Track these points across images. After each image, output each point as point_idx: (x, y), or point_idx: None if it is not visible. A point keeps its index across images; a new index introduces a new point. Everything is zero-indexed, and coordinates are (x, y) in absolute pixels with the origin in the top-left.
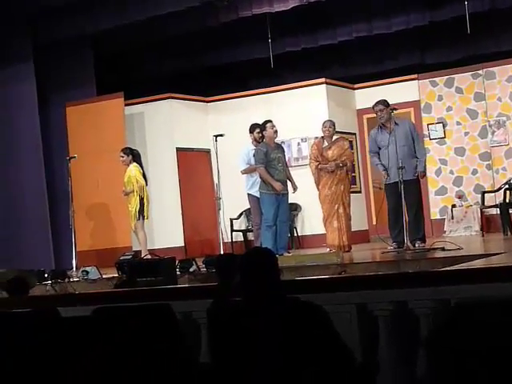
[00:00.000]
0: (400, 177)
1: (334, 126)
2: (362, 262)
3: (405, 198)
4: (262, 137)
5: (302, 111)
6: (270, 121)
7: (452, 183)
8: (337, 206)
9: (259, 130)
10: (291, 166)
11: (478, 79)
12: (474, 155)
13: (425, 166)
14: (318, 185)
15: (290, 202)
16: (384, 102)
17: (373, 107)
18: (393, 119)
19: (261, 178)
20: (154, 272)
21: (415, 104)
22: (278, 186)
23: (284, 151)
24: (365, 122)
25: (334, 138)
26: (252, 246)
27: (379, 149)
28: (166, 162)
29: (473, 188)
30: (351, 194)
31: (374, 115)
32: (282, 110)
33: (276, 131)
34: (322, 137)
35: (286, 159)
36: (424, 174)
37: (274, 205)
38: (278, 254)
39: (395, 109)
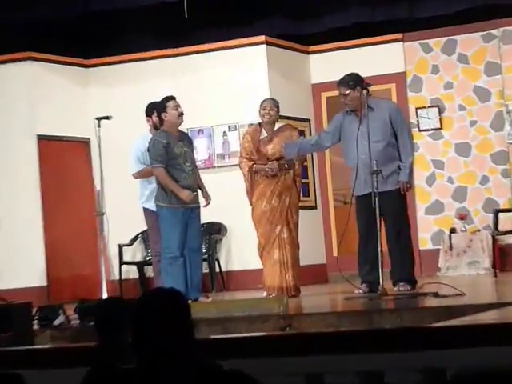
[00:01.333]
0: (374, 186)
1: (278, 107)
2: (315, 313)
3: (382, 218)
4: (162, 121)
5: (228, 85)
6: (172, 97)
7: (451, 197)
8: (279, 227)
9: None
10: (212, 168)
11: (491, 43)
12: (483, 155)
13: (411, 172)
14: (251, 196)
15: (211, 220)
16: (351, 80)
17: (338, 86)
18: (364, 102)
19: (159, 184)
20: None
21: (398, 78)
22: (185, 195)
23: (192, 144)
24: (323, 102)
25: (278, 125)
26: (151, 286)
27: (339, 140)
28: (20, 157)
29: (482, 204)
30: (301, 211)
31: (336, 92)
32: (199, 83)
33: (181, 113)
34: (260, 123)
35: (204, 157)
36: (409, 186)
37: (179, 225)
38: (190, 298)
39: (369, 85)
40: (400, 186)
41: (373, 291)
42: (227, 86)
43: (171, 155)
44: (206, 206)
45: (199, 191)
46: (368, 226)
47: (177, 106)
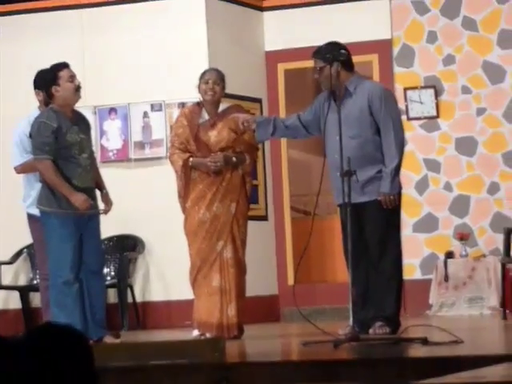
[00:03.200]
0: (344, 192)
1: (224, 82)
2: (262, 363)
3: (360, 237)
4: (51, 98)
5: (152, 49)
6: (64, 65)
7: (449, 209)
8: (221, 244)
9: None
10: (126, 161)
11: (507, 4)
12: (493, 154)
13: (394, 181)
14: (184, 200)
15: (123, 233)
16: (328, 52)
17: (312, 57)
18: (343, 82)
19: (44, 182)
20: None
21: (382, 47)
22: (80, 200)
23: (90, 128)
24: (280, 76)
25: (223, 106)
26: (39, 320)
27: (319, 129)
28: None
29: (489, 221)
30: (249, 222)
31: (299, 64)
32: (111, 45)
33: (79, 87)
34: (199, 103)
35: (117, 146)
36: (393, 199)
37: (71, 238)
38: (92, 338)
39: (346, 54)
40: (381, 199)
41: (359, 331)
42: (150, 51)
43: (62, 143)
44: (104, 212)
45: (98, 192)
46: (354, 245)
47: (72, 77)
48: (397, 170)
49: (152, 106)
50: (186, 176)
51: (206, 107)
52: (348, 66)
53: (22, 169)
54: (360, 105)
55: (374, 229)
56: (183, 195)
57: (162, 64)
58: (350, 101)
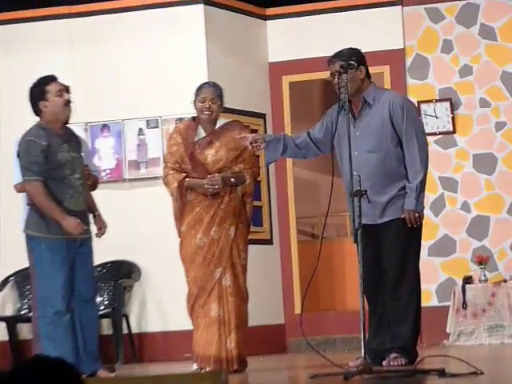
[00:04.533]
0: (355, 213)
1: (222, 97)
2: None
3: (376, 262)
4: (39, 114)
5: (148, 62)
6: (52, 78)
7: (467, 231)
8: (219, 271)
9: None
10: (121, 181)
11: None
12: None
13: (420, 197)
14: (179, 223)
15: (118, 258)
16: (354, 55)
17: (331, 61)
18: (362, 91)
19: (32, 205)
20: None
21: (394, 57)
22: (72, 223)
23: (81, 146)
24: (285, 89)
25: (220, 122)
26: (29, 353)
27: (332, 147)
28: None
29: (509, 243)
30: (250, 247)
31: (305, 76)
32: (104, 57)
33: (68, 101)
34: (195, 118)
35: (111, 165)
36: (419, 216)
37: (62, 265)
38: (85, 372)
39: (359, 63)
40: (405, 216)
41: (372, 362)
42: (145, 63)
43: (53, 163)
44: (98, 235)
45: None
46: (370, 271)
47: (61, 91)
48: (422, 185)
49: (148, 123)
50: (182, 198)
51: (203, 124)
52: (368, 73)
53: (21, 187)
54: (380, 116)
55: (393, 251)
56: (179, 218)
57: (158, 77)
58: (369, 112)
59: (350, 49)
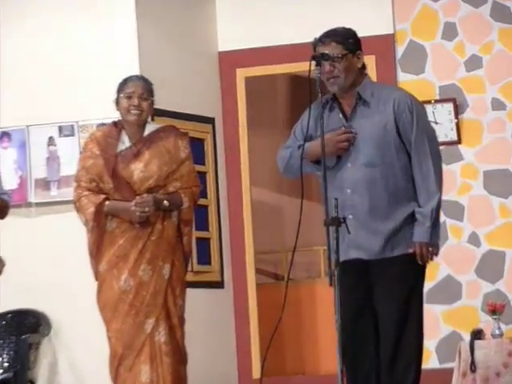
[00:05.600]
0: (331, 248)
1: (152, 94)
2: None
3: (364, 308)
4: None
5: (61, 52)
6: None
7: (475, 271)
8: (151, 322)
9: None
10: (25, 206)
11: None
12: None
13: (437, 225)
14: (96, 260)
15: (20, 307)
16: (351, 37)
17: (320, 42)
18: (356, 85)
19: None
20: None
21: (381, 44)
22: None
23: None
24: (239, 86)
25: (150, 128)
26: None
27: (317, 163)
28: None
29: None
30: (195, 291)
31: (265, 69)
32: (3, 45)
33: None
34: (116, 123)
35: (12, 185)
36: (433, 251)
37: None
38: None
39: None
40: (416, 251)
41: None
42: (57, 54)
43: None
44: None
45: None
46: (354, 323)
47: None
48: (438, 209)
49: (60, 130)
50: (100, 227)
51: (128, 130)
52: (362, 64)
53: None
54: (382, 118)
55: (393, 297)
56: (95, 254)
57: (75, 73)
58: (366, 112)
59: (344, 28)
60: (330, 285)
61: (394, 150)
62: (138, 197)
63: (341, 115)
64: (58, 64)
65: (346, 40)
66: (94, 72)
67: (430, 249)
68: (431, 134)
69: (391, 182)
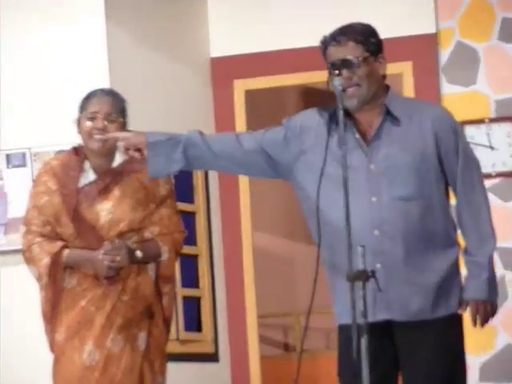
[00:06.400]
0: (356, 309)
1: (124, 113)
2: None
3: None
4: None
5: (8, 60)
6: None
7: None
8: None
9: None
10: None
11: None
12: None
13: (495, 278)
14: (51, 327)
15: None
16: (373, 36)
17: (324, 44)
18: (389, 100)
19: None
20: None
21: (421, 47)
22: None
23: None
24: (239, 101)
25: (122, 156)
26: None
27: (290, 176)
28: None
29: None
30: (185, 365)
31: (268, 80)
32: None
33: None
34: (77, 149)
35: None
36: (490, 308)
37: None
38: None
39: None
40: (471, 310)
41: None
42: (5, 64)
43: None
44: None
45: None
46: None
47: None
48: (491, 257)
49: (8, 159)
50: (56, 284)
51: (92, 159)
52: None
53: None
54: (420, 140)
55: (433, 369)
56: (49, 318)
57: (28, 87)
58: (396, 132)
59: (362, 24)
60: (356, 358)
61: (433, 180)
62: (106, 242)
63: (357, 135)
64: (5, 77)
65: (368, 39)
66: (53, 86)
67: (489, 307)
68: (478, 163)
69: (429, 220)
